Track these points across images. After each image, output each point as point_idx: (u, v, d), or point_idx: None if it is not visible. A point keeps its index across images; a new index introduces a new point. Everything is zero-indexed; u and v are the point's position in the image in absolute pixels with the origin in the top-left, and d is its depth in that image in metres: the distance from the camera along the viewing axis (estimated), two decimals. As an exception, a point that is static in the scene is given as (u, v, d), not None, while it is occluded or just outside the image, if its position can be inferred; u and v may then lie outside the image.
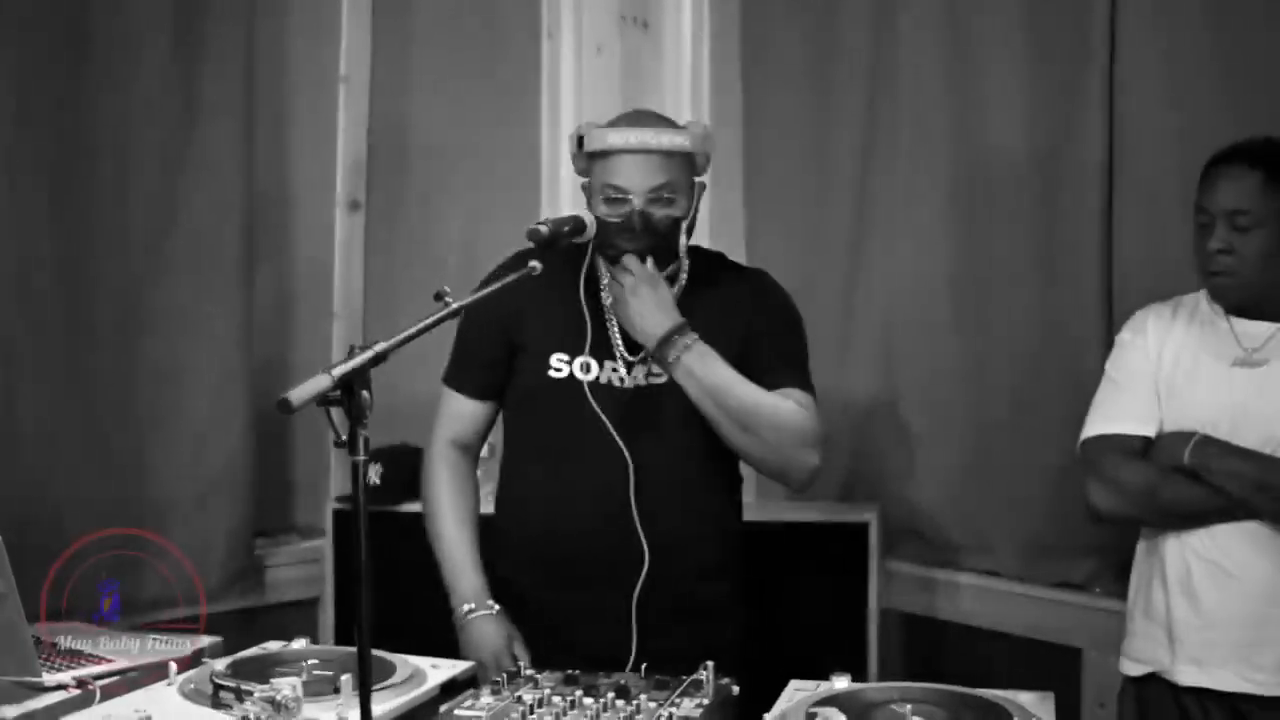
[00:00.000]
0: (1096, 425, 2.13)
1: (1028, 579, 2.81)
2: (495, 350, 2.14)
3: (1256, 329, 2.05)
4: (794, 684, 1.77)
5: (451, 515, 2.17)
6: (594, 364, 2.07)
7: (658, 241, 2.03)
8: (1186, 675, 2.03)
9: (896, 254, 2.99)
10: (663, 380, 2.06)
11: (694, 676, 1.78)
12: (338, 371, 1.31)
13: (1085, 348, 2.64)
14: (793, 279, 3.12)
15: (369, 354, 1.36)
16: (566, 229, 1.94)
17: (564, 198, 3.30)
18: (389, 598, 2.83)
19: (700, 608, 2.10)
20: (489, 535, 2.20)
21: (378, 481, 2.95)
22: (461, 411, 2.20)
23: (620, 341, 2.09)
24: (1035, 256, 2.77)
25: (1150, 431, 2.08)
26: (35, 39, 2.53)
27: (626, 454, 2.02)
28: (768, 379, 2.04)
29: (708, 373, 1.98)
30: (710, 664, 1.78)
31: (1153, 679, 2.09)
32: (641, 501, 2.02)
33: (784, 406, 2.02)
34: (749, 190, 3.28)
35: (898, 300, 3.00)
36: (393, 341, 1.42)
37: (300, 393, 1.27)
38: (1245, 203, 1.99)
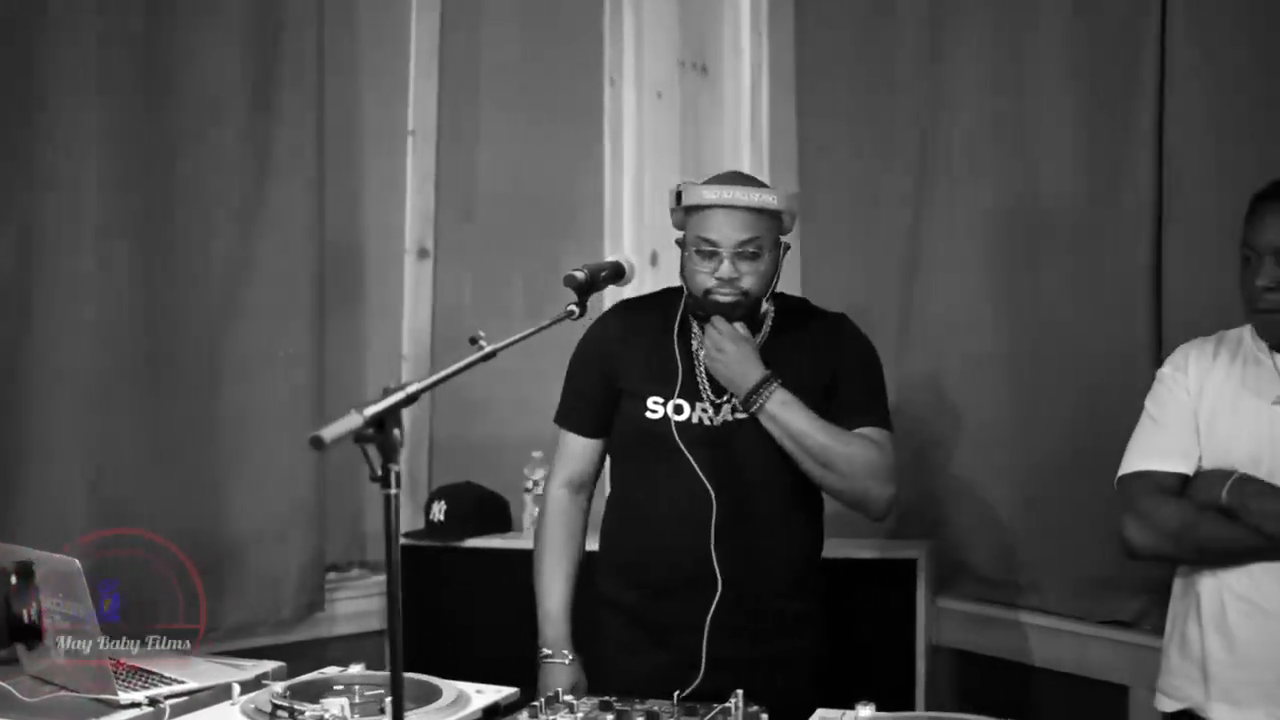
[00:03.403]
0: (1134, 462, 2.12)
1: (1077, 616, 2.80)
2: (599, 391, 2.31)
3: None
4: (820, 713, 1.83)
5: (550, 565, 2.33)
6: (685, 405, 2.23)
7: (746, 309, 2.20)
8: (1220, 714, 2.01)
9: (948, 292, 3.03)
10: (747, 416, 2.21)
11: (723, 705, 1.85)
12: (369, 411, 1.40)
13: (1136, 384, 2.59)
14: (846, 318, 3.20)
15: (401, 394, 1.44)
16: (604, 274, 2.04)
17: (627, 242, 3.40)
18: (451, 629, 2.96)
19: (770, 622, 2.22)
20: (595, 557, 2.37)
21: (442, 518, 3.07)
22: (575, 450, 2.35)
23: (707, 384, 2.24)
24: (1086, 293, 2.78)
25: (1189, 469, 2.06)
26: (121, 105, 2.69)
27: (710, 490, 2.17)
28: (848, 419, 2.21)
29: (789, 419, 2.16)
30: (740, 692, 1.85)
31: (1187, 715, 2.07)
32: (720, 535, 2.17)
33: (857, 445, 2.18)
34: (804, 230, 3.33)
35: (949, 338, 3.03)
36: (425, 383, 1.51)
37: (332, 431, 1.36)
38: None
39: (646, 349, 2.27)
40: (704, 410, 2.23)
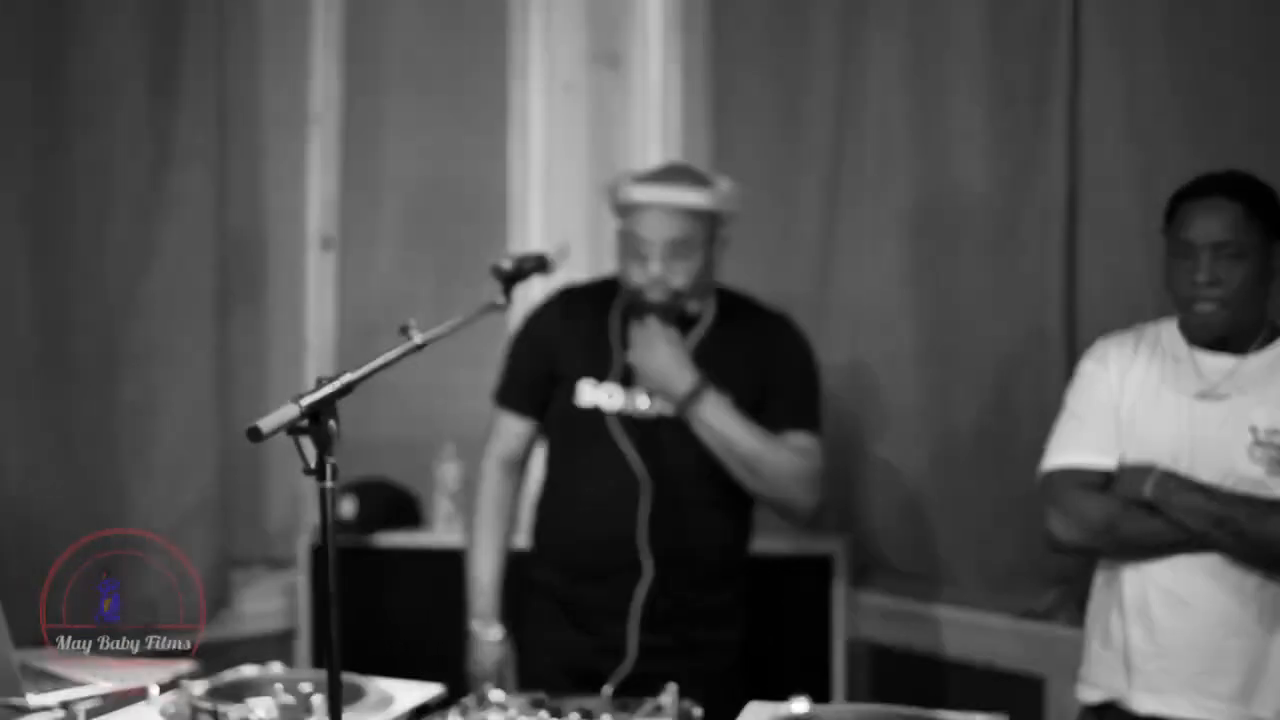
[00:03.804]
0: (1057, 457, 2.14)
1: (993, 609, 2.84)
2: (535, 373, 2.33)
3: (1218, 363, 2.05)
4: (753, 705, 1.82)
5: (484, 539, 2.37)
6: (619, 392, 2.25)
7: (678, 308, 2.21)
8: (1143, 703, 2.05)
9: (862, 287, 3.04)
10: None
11: (656, 700, 1.83)
12: (306, 401, 1.35)
13: (1048, 379, 2.66)
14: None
15: (336, 385, 1.40)
16: (529, 266, 2.03)
17: (533, 233, 3.36)
18: (362, 628, 2.88)
19: (699, 612, 2.26)
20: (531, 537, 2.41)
21: (354, 515, 2.99)
22: (510, 428, 2.38)
23: None
24: (999, 289, 2.81)
25: (1111, 463, 2.09)
26: (13, 86, 2.57)
27: (641, 479, 2.20)
28: (780, 423, 2.25)
29: (719, 425, 2.19)
30: (673, 686, 1.84)
31: (1110, 706, 2.10)
32: (653, 523, 2.20)
33: (786, 453, 2.23)
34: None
35: (863, 333, 3.04)
36: (359, 373, 1.46)
37: (270, 421, 1.31)
38: (1229, 234, 1.98)
39: (584, 336, 2.28)
40: (638, 400, 2.24)
